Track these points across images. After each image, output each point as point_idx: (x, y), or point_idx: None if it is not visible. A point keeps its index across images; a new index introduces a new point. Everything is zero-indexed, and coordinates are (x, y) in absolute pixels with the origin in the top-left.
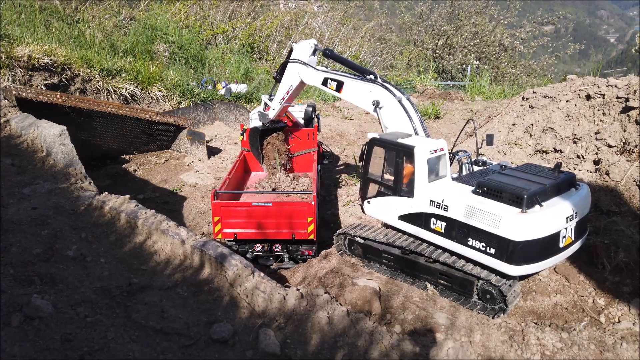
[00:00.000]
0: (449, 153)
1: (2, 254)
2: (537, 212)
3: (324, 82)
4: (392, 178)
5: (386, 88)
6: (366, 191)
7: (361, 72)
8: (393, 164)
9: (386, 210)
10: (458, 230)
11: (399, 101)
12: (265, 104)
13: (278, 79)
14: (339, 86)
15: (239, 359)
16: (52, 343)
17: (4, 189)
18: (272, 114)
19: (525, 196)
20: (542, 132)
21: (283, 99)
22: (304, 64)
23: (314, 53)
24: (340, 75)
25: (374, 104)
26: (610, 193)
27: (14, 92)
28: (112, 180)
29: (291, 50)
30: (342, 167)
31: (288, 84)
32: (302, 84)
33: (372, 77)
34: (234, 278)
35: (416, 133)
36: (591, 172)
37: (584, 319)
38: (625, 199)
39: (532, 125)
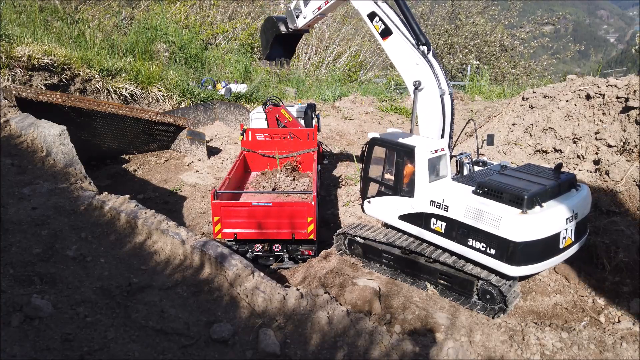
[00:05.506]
0: (452, 156)
1: (2, 254)
2: (537, 212)
3: (371, 16)
4: (392, 178)
5: (434, 72)
6: (366, 191)
7: (415, 35)
8: (393, 163)
9: (386, 210)
10: (458, 231)
11: (441, 95)
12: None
13: None
14: (386, 33)
15: (239, 359)
16: (52, 343)
17: (4, 189)
18: (301, 23)
19: (526, 197)
20: (542, 132)
21: (319, 8)
22: None
23: None
24: (394, 22)
25: (414, 84)
26: (610, 193)
27: (14, 92)
28: (112, 180)
29: None
30: (342, 167)
31: None
32: None
33: (425, 48)
34: (234, 278)
35: (442, 135)
36: (591, 172)
37: (584, 319)
38: (625, 199)
39: (532, 125)
